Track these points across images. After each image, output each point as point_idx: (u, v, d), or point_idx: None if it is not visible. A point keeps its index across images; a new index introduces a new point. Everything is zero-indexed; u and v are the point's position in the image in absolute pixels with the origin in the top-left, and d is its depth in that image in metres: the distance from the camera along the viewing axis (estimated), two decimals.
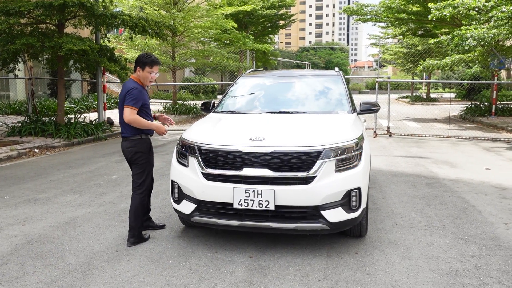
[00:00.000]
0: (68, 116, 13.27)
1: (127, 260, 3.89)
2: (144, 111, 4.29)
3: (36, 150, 9.82)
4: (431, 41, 15.46)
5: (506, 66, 16.97)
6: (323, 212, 3.79)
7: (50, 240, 4.40)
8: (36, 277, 3.58)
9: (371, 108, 5.21)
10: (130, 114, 4.15)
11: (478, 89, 25.44)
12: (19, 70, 13.40)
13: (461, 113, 18.12)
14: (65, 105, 15.70)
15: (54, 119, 12.14)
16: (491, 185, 6.60)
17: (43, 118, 12.59)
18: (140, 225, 4.31)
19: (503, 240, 4.34)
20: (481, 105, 17.84)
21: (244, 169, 3.85)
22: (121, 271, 3.68)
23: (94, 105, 19.22)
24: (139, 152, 4.29)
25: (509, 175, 7.34)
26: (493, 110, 16.44)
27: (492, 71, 16.65)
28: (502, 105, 17.67)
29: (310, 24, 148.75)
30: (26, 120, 12.05)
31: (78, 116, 12.87)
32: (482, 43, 11.53)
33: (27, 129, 11.41)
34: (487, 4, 11.82)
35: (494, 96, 16.50)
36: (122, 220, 4.98)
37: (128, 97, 4.17)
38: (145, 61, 4.28)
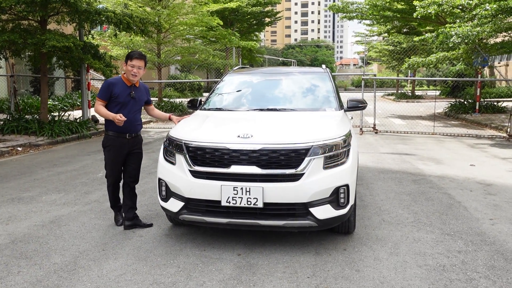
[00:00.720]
0: (52, 114, 13.06)
1: (114, 259, 3.84)
2: (114, 103, 4.48)
3: (19, 149, 9.64)
4: (416, 38, 15.61)
5: (489, 63, 17.25)
6: (312, 209, 3.78)
7: (35, 240, 4.31)
8: (20, 277, 3.51)
9: (358, 105, 5.23)
10: (96, 104, 4.50)
11: (462, 87, 25.79)
12: (0, 67, 13.15)
13: (446, 110, 18.34)
14: (49, 102, 15.45)
15: (38, 117, 11.94)
16: (476, 181, 6.69)
17: (26, 116, 12.38)
18: (113, 205, 4.79)
19: (489, 236, 4.40)
20: (465, 102, 18.08)
21: (232, 166, 3.83)
22: (108, 270, 3.63)
23: (78, 103, 18.95)
24: (103, 146, 4.67)
25: (494, 171, 7.45)
26: (477, 107, 16.67)
27: (476, 69, 16.88)
28: (485, 102, 17.94)
29: (296, 22, 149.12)
30: (8, 118, 11.84)
31: (62, 114, 12.68)
32: (466, 40, 11.67)
33: (9, 127, 11.20)
34: (471, 2, 11.96)
35: (478, 93, 16.74)
36: (108, 218, 4.92)
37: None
38: (128, 55, 4.48)
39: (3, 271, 3.62)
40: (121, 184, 4.75)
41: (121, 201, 4.79)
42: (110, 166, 4.62)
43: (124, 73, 4.55)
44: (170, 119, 4.88)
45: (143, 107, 4.84)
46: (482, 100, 17.86)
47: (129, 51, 4.54)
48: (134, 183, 4.73)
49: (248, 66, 8.10)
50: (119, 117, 4.32)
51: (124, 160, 4.64)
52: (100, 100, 4.47)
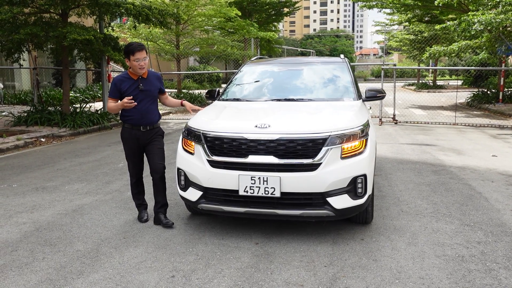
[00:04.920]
0: (74, 105, 13.31)
1: (134, 247, 3.93)
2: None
3: (42, 140, 9.88)
4: (437, 27, 15.29)
5: None
6: (329, 199, 3.79)
7: (59, 227, 4.44)
8: (45, 263, 3.63)
9: (376, 95, 5.18)
10: (107, 103, 4.44)
11: (485, 76, 25.18)
12: (24, 60, 13.43)
13: (468, 100, 17.98)
14: (70, 94, 15.73)
15: (60, 108, 12.18)
16: (498, 172, 6.58)
17: (49, 107, 12.63)
18: (137, 204, 4.73)
19: (510, 227, 4.34)
20: (488, 92, 17.68)
21: (250, 156, 3.86)
22: (129, 257, 3.72)
23: (99, 95, 19.25)
24: (121, 139, 4.60)
25: None
26: (500, 97, 16.29)
27: (500, 57, 16.47)
28: (509, 92, 17.50)
29: (315, 12, 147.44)
30: (31, 110, 12.11)
31: (84, 106, 12.90)
32: (489, 28, 11.40)
33: (33, 119, 11.47)
34: None
35: (502, 83, 16.34)
36: (129, 208, 5.02)
37: None
38: (127, 51, 4.29)
39: (29, 257, 3.75)
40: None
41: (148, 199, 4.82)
42: (128, 159, 4.59)
43: (130, 69, 4.41)
44: (182, 104, 4.76)
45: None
46: (506, 89, 17.42)
47: (128, 44, 4.36)
48: (157, 175, 4.43)
49: (266, 57, 8.09)
50: (126, 100, 4.20)
51: (142, 154, 4.56)
52: (111, 99, 4.40)
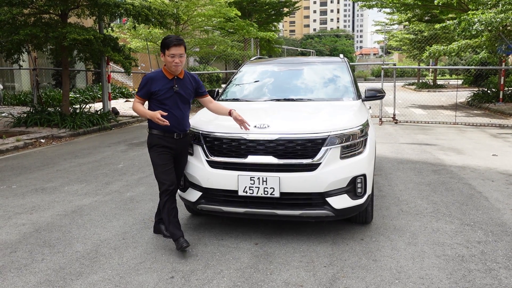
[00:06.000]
0: (73, 106, 13.30)
1: (134, 248, 3.92)
2: (156, 101, 3.81)
3: (42, 140, 9.87)
4: (437, 26, 15.30)
5: None
6: (328, 199, 3.78)
7: (58, 228, 4.44)
8: (44, 264, 3.62)
9: (376, 95, 5.16)
10: (133, 102, 3.89)
11: (485, 75, 25.15)
12: (23, 61, 13.42)
13: (468, 100, 17.96)
14: (70, 95, 15.73)
15: (60, 109, 12.17)
16: (498, 172, 6.56)
17: (49, 108, 12.62)
18: (170, 228, 3.82)
19: (510, 226, 4.33)
20: (489, 91, 17.66)
21: (249, 156, 3.85)
22: (128, 258, 3.71)
23: (99, 95, 19.22)
24: (148, 147, 3.97)
25: None
26: (500, 96, 16.27)
27: (500, 57, 16.44)
28: (510, 91, 17.48)
29: (315, 11, 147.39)
30: (31, 110, 12.10)
31: (83, 106, 12.90)
32: (489, 28, 11.38)
33: (32, 120, 11.46)
34: None
35: (502, 82, 16.31)
36: (129, 209, 5.01)
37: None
38: (163, 43, 3.77)
39: (28, 259, 3.74)
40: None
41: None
42: (162, 170, 3.83)
43: (164, 65, 3.88)
44: (230, 114, 4.04)
45: (198, 100, 4.18)
46: (506, 89, 17.39)
47: (165, 36, 3.85)
48: (176, 189, 3.93)
49: (266, 57, 8.09)
50: (159, 116, 3.66)
51: (173, 162, 3.94)
52: (138, 98, 3.85)
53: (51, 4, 10.58)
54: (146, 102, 3.95)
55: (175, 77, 3.85)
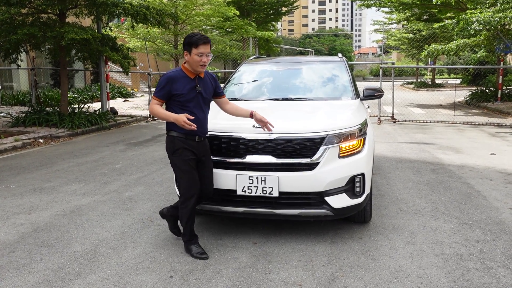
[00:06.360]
0: (72, 106, 13.28)
1: (132, 247, 3.92)
2: (177, 103, 3.58)
3: (40, 140, 9.85)
4: (435, 25, 15.31)
5: None
6: (327, 198, 3.79)
7: (56, 228, 4.43)
8: (43, 264, 3.61)
9: (374, 94, 5.16)
10: (150, 104, 3.64)
11: (483, 74, 25.20)
12: (21, 61, 13.40)
13: (467, 99, 17.98)
14: (69, 95, 15.71)
15: (58, 109, 12.15)
16: (496, 170, 6.57)
17: (47, 108, 12.60)
18: (188, 237, 3.76)
19: (508, 225, 4.33)
20: (487, 90, 17.68)
21: (248, 156, 3.85)
22: (127, 258, 3.70)
23: (97, 95, 19.22)
24: (167, 152, 3.74)
25: None
26: (499, 95, 16.29)
27: (498, 56, 16.47)
28: (508, 90, 17.51)
29: (313, 11, 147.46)
30: (30, 110, 12.07)
31: (82, 106, 12.88)
32: (487, 27, 11.39)
33: (31, 120, 11.43)
34: None
35: (500, 81, 16.35)
36: (127, 208, 5.01)
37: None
38: (189, 41, 3.53)
39: (26, 259, 3.73)
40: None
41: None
42: (189, 176, 3.63)
43: (184, 63, 3.65)
44: (251, 116, 3.81)
45: (214, 101, 3.94)
46: (505, 88, 17.43)
47: (191, 34, 3.63)
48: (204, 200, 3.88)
49: (264, 56, 8.08)
50: (185, 119, 3.41)
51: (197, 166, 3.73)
52: (157, 99, 3.56)
53: (49, 3, 10.55)
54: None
55: (197, 76, 3.65)
